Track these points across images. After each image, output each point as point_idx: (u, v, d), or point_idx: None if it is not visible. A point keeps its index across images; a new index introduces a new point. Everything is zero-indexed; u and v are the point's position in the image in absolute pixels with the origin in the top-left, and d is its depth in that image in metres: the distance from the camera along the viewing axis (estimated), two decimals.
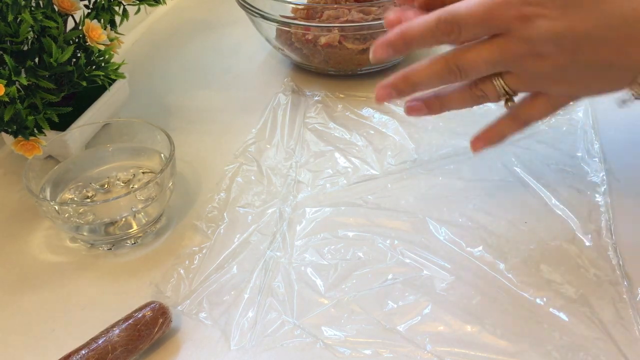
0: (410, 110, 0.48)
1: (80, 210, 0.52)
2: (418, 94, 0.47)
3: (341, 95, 0.71)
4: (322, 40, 0.69)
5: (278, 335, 0.45)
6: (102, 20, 0.60)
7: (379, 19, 0.68)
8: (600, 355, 0.42)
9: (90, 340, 0.43)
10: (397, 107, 0.68)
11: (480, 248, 0.50)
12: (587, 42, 0.40)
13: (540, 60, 0.41)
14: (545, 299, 0.46)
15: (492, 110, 0.66)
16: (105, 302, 0.49)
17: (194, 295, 0.48)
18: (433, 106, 0.47)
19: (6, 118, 0.52)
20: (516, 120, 0.47)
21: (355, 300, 0.47)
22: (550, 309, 0.45)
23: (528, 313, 0.45)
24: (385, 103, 0.68)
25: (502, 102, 0.46)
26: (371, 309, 0.46)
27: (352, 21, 0.68)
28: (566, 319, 0.45)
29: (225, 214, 0.56)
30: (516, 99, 0.46)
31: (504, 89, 0.44)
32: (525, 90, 0.45)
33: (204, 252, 0.52)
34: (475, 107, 0.68)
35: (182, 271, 0.50)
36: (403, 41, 0.43)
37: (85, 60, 0.56)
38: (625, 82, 0.42)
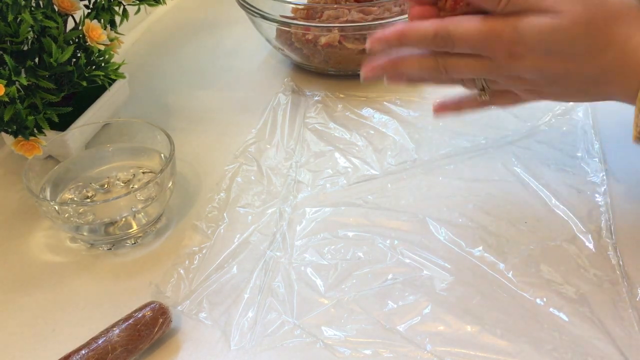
0: (367, 70, 0.49)
1: (80, 210, 0.52)
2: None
3: (341, 95, 0.71)
4: (322, 40, 0.69)
5: (278, 335, 0.45)
6: (102, 20, 0.60)
7: (379, 19, 0.68)
8: (600, 355, 0.42)
9: (90, 340, 0.43)
10: (398, 107, 0.68)
11: (480, 248, 0.50)
12: (570, 76, 0.44)
13: (522, 81, 0.45)
14: (545, 299, 0.46)
15: (492, 110, 0.66)
16: (105, 302, 0.49)
17: (194, 295, 0.48)
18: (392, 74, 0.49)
19: (6, 118, 0.52)
20: (482, 104, 0.50)
21: (355, 300, 0.47)
22: (550, 309, 0.45)
23: (528, 313, 0.45)
24: (385, 103, 0.68)
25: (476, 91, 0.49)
26: (371, 309, 0.46)
27: (352, 21, 0.68)
28: (566, 319, 0.45)
29: (225, 214, 0.56)
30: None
31: (482, 85, 0.48)
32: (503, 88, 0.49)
33: (204, 252, 0.52)
34: None
35: (182, 271, 0.50)
36: (398, 41, 0.46)
37: (85, 60, 0.56)
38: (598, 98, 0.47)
